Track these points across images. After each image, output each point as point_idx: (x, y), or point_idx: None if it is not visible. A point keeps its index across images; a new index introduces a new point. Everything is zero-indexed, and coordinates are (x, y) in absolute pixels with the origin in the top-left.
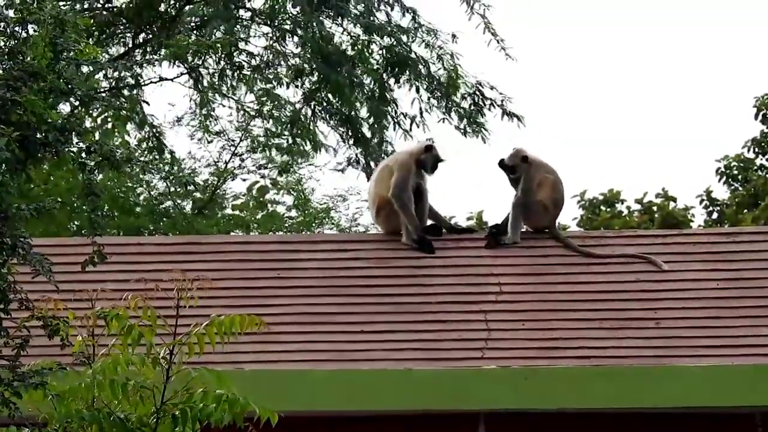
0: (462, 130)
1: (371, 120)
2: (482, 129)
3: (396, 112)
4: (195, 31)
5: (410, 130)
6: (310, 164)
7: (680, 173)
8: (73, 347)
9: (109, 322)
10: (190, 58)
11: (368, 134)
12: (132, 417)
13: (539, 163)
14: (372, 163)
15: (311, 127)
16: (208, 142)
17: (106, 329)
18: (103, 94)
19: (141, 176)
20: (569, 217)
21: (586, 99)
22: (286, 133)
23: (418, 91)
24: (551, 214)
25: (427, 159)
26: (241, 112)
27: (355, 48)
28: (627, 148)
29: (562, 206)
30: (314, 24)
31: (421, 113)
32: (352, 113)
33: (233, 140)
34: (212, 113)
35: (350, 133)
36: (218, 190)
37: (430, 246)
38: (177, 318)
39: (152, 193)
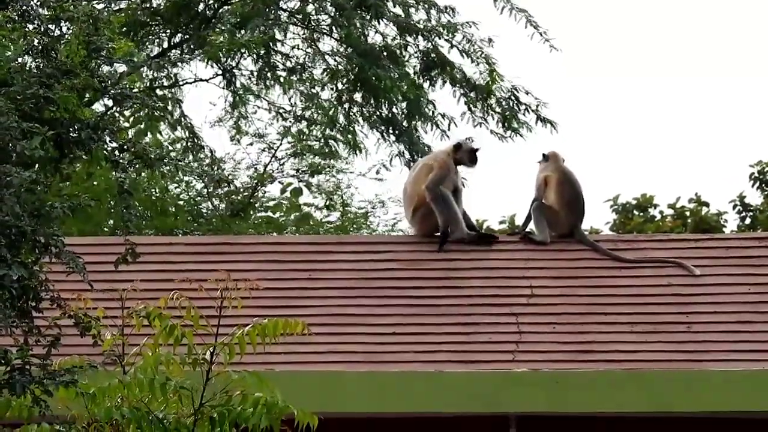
0: (498, 135)
1: (406, 122)
2: (518, 133)
3: (433, 114)
4: (231, 32)
5: (448, 129)
6: (350, 171)
7: (713, 178)
8: (103, 345)
9: (151, 321)
10: (224, 59)
11: (410, 129)
12: (170, 417)
13: (556, 163)
14: (416, 156)
15: (351, 127)
16: (249, 144)
17: (136, 327)
18: (137, 93)
19: (180, 177)
20: (602, 221)
21: (620, 103)
22: (319, 134)
23: (459, 93)
24: (563, 217)
25: (463, 155)
26: (279, 113)
27: (391, 49)
28: (660, 153)
29: (579, 210)
30: (353, 21)
31: (470, 110)
32: (393, 110)
33: (272, 143)
34: (244, 115)
35: (390, 130)
36: (256, 193)
37: (489, 237)
38: (219, 319)
39: (190, 194)
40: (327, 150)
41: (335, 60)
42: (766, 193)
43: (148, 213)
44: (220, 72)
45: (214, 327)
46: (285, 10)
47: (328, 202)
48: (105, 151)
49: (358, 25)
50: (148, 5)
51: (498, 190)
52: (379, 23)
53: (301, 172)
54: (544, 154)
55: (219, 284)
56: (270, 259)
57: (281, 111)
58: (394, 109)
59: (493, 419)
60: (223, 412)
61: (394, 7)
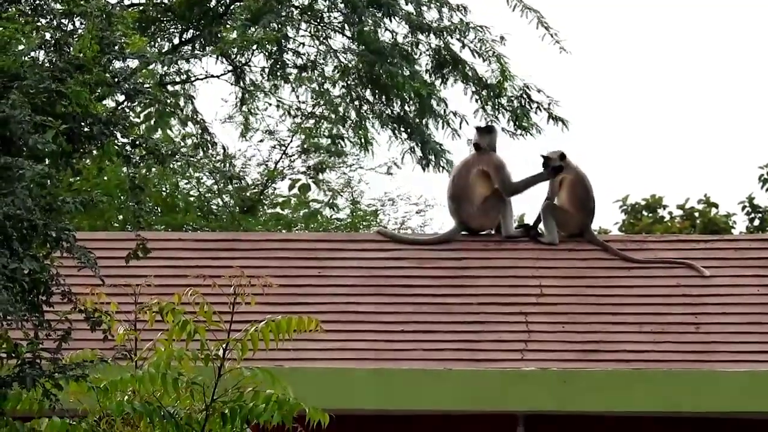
0: (509, 133)
1: (417, 120)
2: (529, 132)
3: (445, 112)
4: (243, 28)
5: (460, 128)
6: (360, 167)
7: (723, 180)
8: (115, 340)
9: (164, 316)
10: (234, 56)
11: (422, 127)
12: (181, 412)
13: (570, 165)
14: (431, 156)
15: (362, 124)
16: (260, 141)
17: (149, 323)
18: (149, 88)
19: (191, 173)
20: (611, 221)
21: (630, 103)
22: (326, 133)
23: (470, 91)
24: (575, 217)
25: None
26: (288, 112)
27: (402, 47)
28: (670, 154)
29: (590, 211)
30: (365, 19)
31: (483, 108)
32: (404, 107)
33: (282, 140)
34: (253, 112)
35: (401, 128)
36: (267, 190)
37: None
38: (232, 315)
39: (201, 190)
40: (334, 149)
41: (346, 57)
42: None
43: (158, 209)
44: (230, 68)
45: (227, 323)
46: (297, 7)
47: (331, 201)
48: (117, 147)
49: (370, 22)
50: (159, 1)
51: None
52: (391, 21)
53: (311, 169)
54: (562, 154)
55: (232, 281)
56: (279, 256)
57: (291, 108)
58: (406, 107)
59: (501, 418)
60: (234, 408)
61: (407, 5)
